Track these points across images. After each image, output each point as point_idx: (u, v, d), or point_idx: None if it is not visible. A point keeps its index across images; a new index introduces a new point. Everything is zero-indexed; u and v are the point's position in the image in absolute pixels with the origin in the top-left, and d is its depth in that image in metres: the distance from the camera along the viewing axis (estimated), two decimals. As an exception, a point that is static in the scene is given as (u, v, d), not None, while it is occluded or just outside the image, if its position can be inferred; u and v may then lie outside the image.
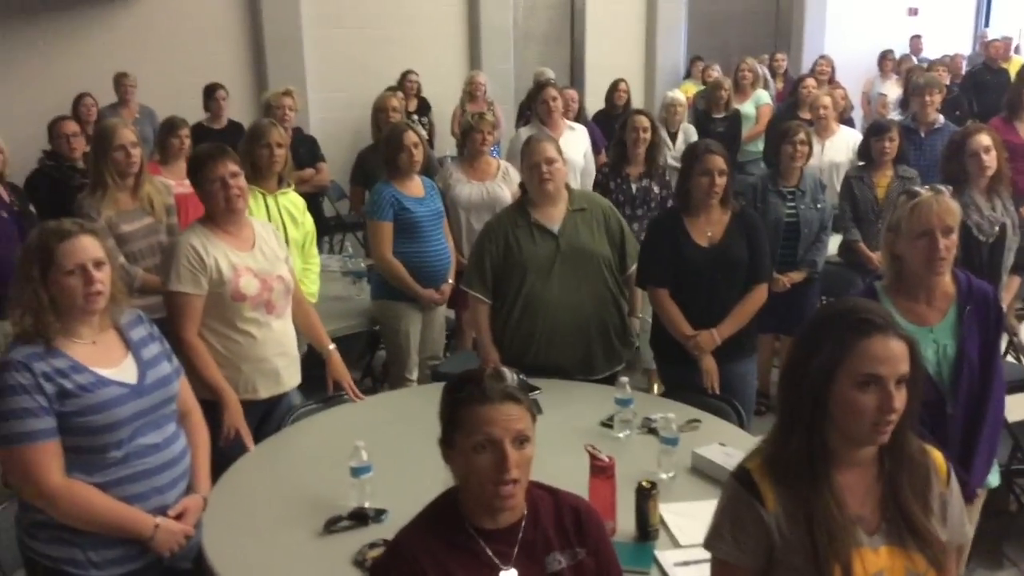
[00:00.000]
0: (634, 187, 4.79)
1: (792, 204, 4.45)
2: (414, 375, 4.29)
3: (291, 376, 3.20)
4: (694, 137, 6.35)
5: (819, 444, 1.61)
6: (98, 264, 2.18)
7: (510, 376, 1.73)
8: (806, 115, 6.60)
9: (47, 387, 2.09)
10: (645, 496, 2.30)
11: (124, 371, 2.24)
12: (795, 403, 1.64)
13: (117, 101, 7.20)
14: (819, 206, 4.49)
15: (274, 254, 3.15)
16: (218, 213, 3.05)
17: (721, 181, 3.38)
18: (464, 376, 1.76)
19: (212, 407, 2.89)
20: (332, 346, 3.37)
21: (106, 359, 2.22)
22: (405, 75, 8.18)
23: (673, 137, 6.31)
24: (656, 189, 4.82)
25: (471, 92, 8.02)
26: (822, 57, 8.84)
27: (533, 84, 8.25)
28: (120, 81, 7.18)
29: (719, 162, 3.38)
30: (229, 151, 3.14)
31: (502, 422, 1.66)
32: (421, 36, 9.05)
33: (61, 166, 4.91)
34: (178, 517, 2.28)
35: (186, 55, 8.05)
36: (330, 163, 6.52)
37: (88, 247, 2.18)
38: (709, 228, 3.46)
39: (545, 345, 3.42)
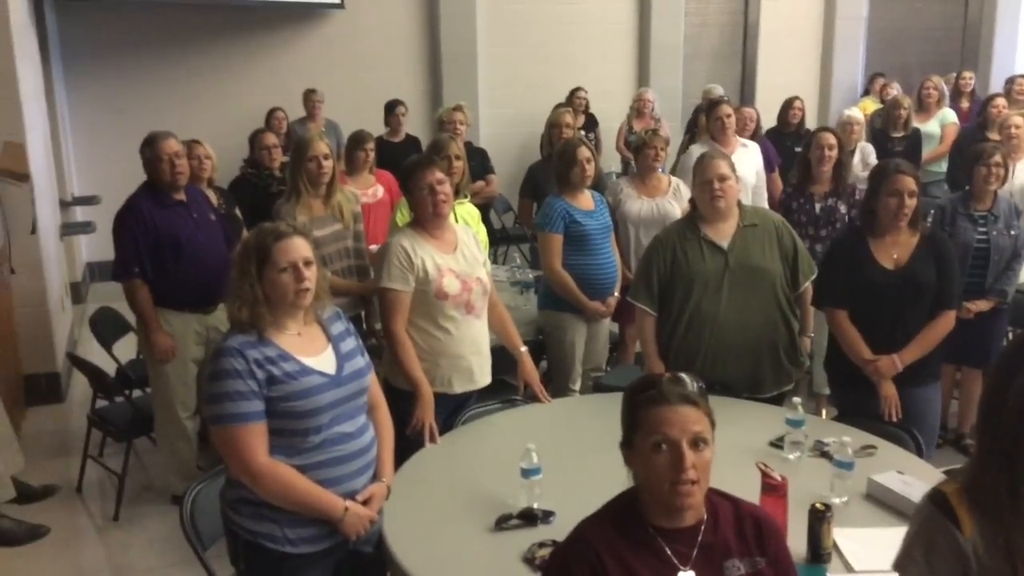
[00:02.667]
0: (818, 206, 4.66)
1: (984, 229, 4.24)
2: (576, 386, 4.34)
3: (483, 374, 3.36)
4: (871, 156, 6.13)
5: (1020, 471, 1.55)
6: (308, 263, 2.35)
7: (689, 382, 1.76)
8: (995, 136, 6.23)
9: (258, 373, 2.25)
10: (820, 518, 2.25)
11: (324, 362, 2.39)
12: (994, 430, 1.58)
13: (305, 115, 7.68)
14: (1013, 232, 4.25)
15: (474, 257, 3.32)
16: (426, 217, 3.24)
17: (911, 202, 3.27)
18: (644, 379, 1.81)
19: (405, 398, 3.08)
20: (524, 348, 3.50)
21: (309, 349, 2.38)
22: (574, 92, 8.29)
23: (849, 156, 6.09)
24: (843, 208, 4.66)
25: (639, 109, 8.05)
26: (1020, 76, 8.28)
27: (702, 101, 8.20)
28: (308, 97, 7.66)
29: (909, 183, 3.27)
30: (437, 161, 3.34)
31: (679, 423, 1.69)
32: (590, 53, 9.16)
33: (261, 174, 5.31)
34: (364, 503, 2.41)
35: (368, 72, 8.51)
36: (497, 177, 6.71)
37: (300, 247, 2.35)
38: (895, 250, 3.34)
39: (711, 361, 3.39)
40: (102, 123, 7.90)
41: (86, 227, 6.93)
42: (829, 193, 4.68)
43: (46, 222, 5.72)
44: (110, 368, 4.47)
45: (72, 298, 6.80)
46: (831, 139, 4.69)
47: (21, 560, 3.72)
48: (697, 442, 1.70)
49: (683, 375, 1.78)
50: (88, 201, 7.49)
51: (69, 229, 6.95)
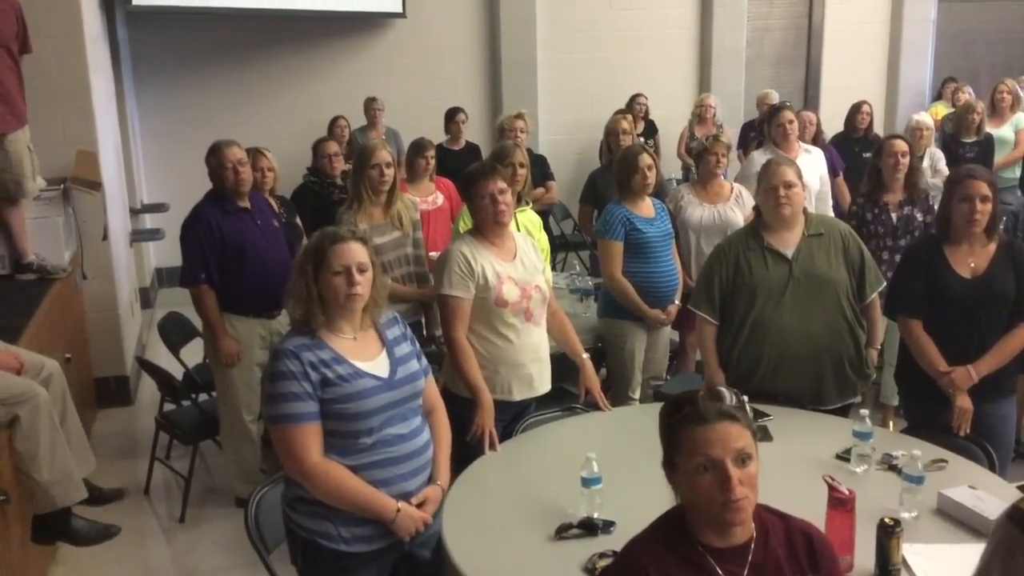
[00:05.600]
0: (894, 216, 4.53)
1: (1062, 236, 4.09)
2: (636, 394, 4.31)
3: (543, 382, 3.35)
4: (941, 162, 5.98)
5: None
6: (362, 269, 2.38)
7: (728, 395, 1.72)
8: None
9: (312, 375, 2.30)
10: (888, 533, 2.20)
11: (378, 365, 2.42)
12: None
13: (366, 124, 7.77)
14: (1091, 239, 4.10)
15: (533, 265, 3.32)
16: (486, 226, 3.25)
17: (984, 208, 3.17)
18: (680, 398, 1.77)
19: (465, 405, 3.10)
20: (586, 355, 3.48)
21: (364, 353, 2.41)
22: (634, 98, 8.26)
23: (919, 162, 5.95)
24: (919, 216, 4.54)
25: (700, 114, 7.98)
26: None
27: (757, 107, 8.09)
28: (369, 105, 7.75)
29: (982, 188, 3.18)
30: (499, 169, 3.36)
31: (720, 442, 1.65)
32: (651, 59, 9.11)
33: (323, 182, 5.39)
34: (419, 505, 2.43)
35: (428, 80, 8.58)
36: (556, 183, 6.69)
37: (356, 252, 2.38)
38: (972, 258, 3.25)
39: (772, 370, 3.34)
40: (170, 132, 8.11)
41: (155, 234, 7.11)
42: (904, 202, 4.55)
43: (117, 229, 5.88)
44: (177, 372, 4.58)
45: (141, 303, 6.99)
46: (903, 146, 4.56)
47: (90, 559, 3.81)
48: (741, 458, 1.66)
49: (721, 389, 1.74)
50: (156, 209, 7.68)
51: (138, 236, 7.14)
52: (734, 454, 1.65)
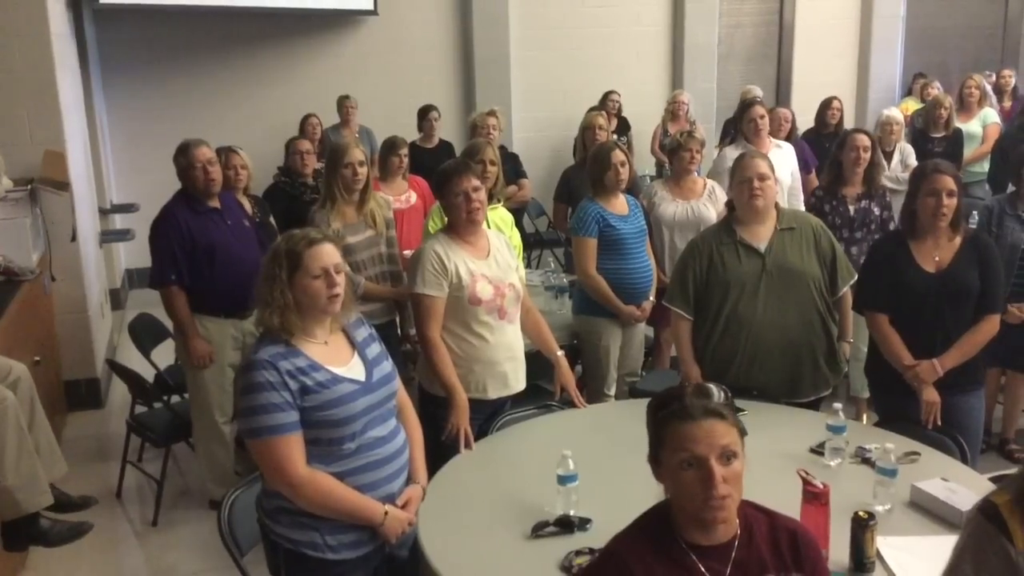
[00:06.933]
0: (852, 208, 4.57)
1: (1032, 230, 4.14)
2: (612, 391, 4.32)
3: (518, 380, 3.35)
4: (911, 157, 6.04)
5: None
6: (338, 269, 2.36)
7: (715, 392, 1.72)
8: (1040, 135, 6.13)
9: (291, 384, 2.24)
10: (863, 527, 2.21)
11: (354, 369, 2.39)
12: None
13: (339, 121, 7.73)
14: (1062, 233, 4.15)
15: (507, 263, 3.31)
16: (460, 224, 3.24)
17: (950, 202, 3.20)
18: (667, 393, 1.77)
19: (440, 404, 3.09)
20: (561, 353, 3.48)
21: (338, 358, 2.38)
22: (607, 95, 8.27)
23: (888, 157, 6.01)
24: (876, 210, 4.59)
25: (673, 111, 8.02)
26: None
27: (739, 102, 8.12)
28: (342, 103, 7.71)
29: (948, 182, 3.20)
30: (473, 167, 3.34)
31: (706, 439, 1.65)
32: (624, 56, 9.14)
33: (294, 181, 5.35)
34: (403, 506, 2.41)
35: (401, 78, 8.55)
36: (529, 181, 6.69)
37: (332, 253, 2.35)
38: (937, 252, 3.28)
39: (747, 365, 3.36)
40: (140, 131, 8.02)
41: (125, 234, 7.03)
42: (862, 195, 4.59)
43: (86, 230, 5.80)
44: (149, 374, 4.52)
45: (111, 304, 6.90)
46: (866, 140, 4.59)
47: (61, 564, 3.76)
48: (726, 456, 1.66)
49: (709, 385, 1.74)
50: (126, 209, 7.60)
51: (108, 236, 7.06)
52: (719, 451, 1.65)
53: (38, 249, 4.95)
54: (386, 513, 2.35)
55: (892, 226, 4.57)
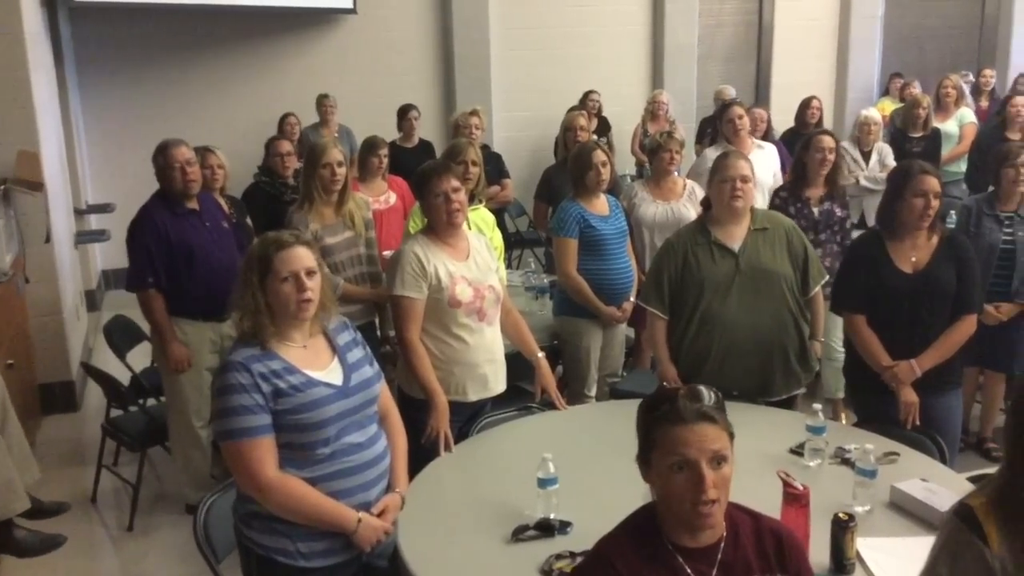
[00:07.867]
0: (816, 210, 4.58)
1: (1009, 230, 4.17)
2: (592, 392, 4.31)
3: (498, 382, 3.33)
4: (889, 157, 6.07)
5: None
6: (310, 273, 2.32)
7: (707, 395, 1.71)
8: (1015, 135, 6.18)
9: (264, 386, 2.22)
10: (843, 528, 2.21)
11: (331, 373, 2.36)
12: None
13: (318, 121, 7.68)
14: (1039, 233, 4.17)
15: (486, 265, 3.29)
16: (439, 225, 3.22)
17: (936, 204, 3.22)
18: (659, 395, 1.76)
19: (420, 407, 3.06)
20: (541, 354, 3.46)
21: (315, 362, 2.35)
22: (587, 95, 8.26)
23: (866, 156, 6.05)
24: (838, 211, 4.60)
25: (653, 111, 8.02)
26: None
27: (713, 103, 8.15)
28: (321, 102, 7.66)
29: (934, 184, 3.22)
30: (453, 168, 3.32)
31: (697, 443, 1.64)
32: (604, 56, 9.14)
33: (274, 182, 5.30)
34: (379, 515, 2.38)
35: (380, 77, 8.51)
36: (511, 181, 6.67)
37: (303, 256, 2.32)
38: (914, 253, 3.29)
39: (719, 364, 3.36)
40: (116, 131, 7.94)
41: (100, 235, 6.95)
42: (824, 196, 4.59)
43: (60, 231, 5.73)
44: (124, 377, 4.47)
45: (87, 306, 6.83)
46: (831, 142, 4.58)
47: (34, 571, 3.71)
48: (716, 460, 1.65)
49: (701, 388, 1.73)
50: (102, 209, 7.51)
51: (83, 237, 6.97)
52: (709, 455, 1.64)
53: (11, 250, 4.88)
54: (359, 520, 2.32)
55: (849, 225, 4.60)
